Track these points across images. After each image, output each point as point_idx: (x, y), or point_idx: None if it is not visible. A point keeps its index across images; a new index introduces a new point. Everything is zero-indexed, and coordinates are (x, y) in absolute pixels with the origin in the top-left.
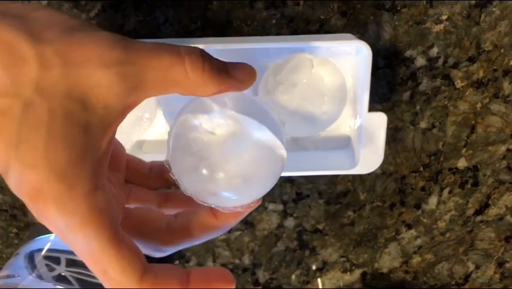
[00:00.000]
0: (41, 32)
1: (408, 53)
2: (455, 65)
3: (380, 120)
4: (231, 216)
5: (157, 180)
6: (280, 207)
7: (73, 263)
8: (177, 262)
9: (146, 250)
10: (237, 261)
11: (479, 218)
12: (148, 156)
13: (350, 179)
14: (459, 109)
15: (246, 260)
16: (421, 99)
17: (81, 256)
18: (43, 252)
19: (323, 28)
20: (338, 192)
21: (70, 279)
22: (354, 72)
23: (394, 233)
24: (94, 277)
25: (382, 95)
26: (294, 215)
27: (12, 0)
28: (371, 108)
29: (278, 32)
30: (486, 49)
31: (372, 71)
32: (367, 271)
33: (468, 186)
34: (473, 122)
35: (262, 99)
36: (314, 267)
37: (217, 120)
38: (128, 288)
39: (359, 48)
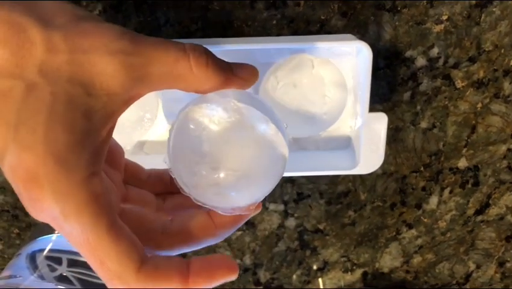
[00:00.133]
0: (50, 18)
1: (409, 53)
2: (456, 66)
3: (380, 120)
4: (229, 221)
5: (155, 186)
6: (281, 207)
7: (75, 263)
8: None
9: None
10: (238, 261)
11: (479, 218)
12: (149, 157)
13: (350, 179)
14: (460, 109)
15: (247, 260)
16: (421, 99)
17: (76, 246)
18: (45, 252)
19: (323, 29)
20: (339, 193)
21: (72, 279)
22: (354, 72)
23: (394, 233)
24: (96, 277)
25: (382, 95)
26: (295, 215)
27: None
28: (372, 108)
29: (279, 33)
30: (486, 49)
31: (373, 71)
32: (368, 271)
33: (469, 186)
34: (474, 122)
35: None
36: (315, 267)
37: (220, 111)
38: (126, 279)
39: (359, 48)
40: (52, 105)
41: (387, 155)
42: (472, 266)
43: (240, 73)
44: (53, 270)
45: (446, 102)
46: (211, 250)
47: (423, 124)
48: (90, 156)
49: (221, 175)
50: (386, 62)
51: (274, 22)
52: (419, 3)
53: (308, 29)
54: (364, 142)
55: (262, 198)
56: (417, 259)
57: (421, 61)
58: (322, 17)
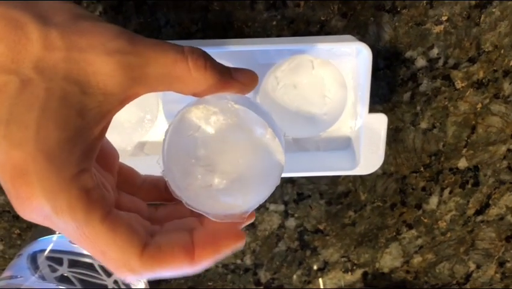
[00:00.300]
0: (48, 16)
1: (408, 54)
2: (455, 66)
3: (380, 121)
4: (210, 247)
5: (149, 193)
6: (281, 207)
7: (76, 264)
8: None
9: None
10: (238, 261)
11: (479, 218)
12: (149, 158)
13: (351, 180)
14: (460, 110)
15: (248, 260)
16: (421, 99)
17: (74, 240)
18: (46, 253)
19: (323, 29)
20: (339, 193)
21: (73, 279)
22: (354, 73)
23: (395, 233)
24: (97, 277)
25: (382, 96)
26: (296, 215)
27: None
28: (372, 109)
29: (279, 34)
30: (486, 50)
31: (372, 72)
32: (368, 271)
33: (469, 186)
34: (474, 122)
35: (263, 100)
36: (315, 267)
37: (217, 112)
38: (131, 265)
39: (359, 49)
40: (46, 101)
41: (387, 156)
42: (472, 266)
43: (238, 77)
44: (54, 270)
45: (446, 103)
46: None
47: (423, 125)
48: (81, 153)
49: (215, 178)
50: (386, 63)
51: (275, 23)
52: (419, 4)
53: (308, 30)
54: (364, 142)
55: (255, 207)
56: (417, 259)
57: (421, 62)
58: (322, 18)
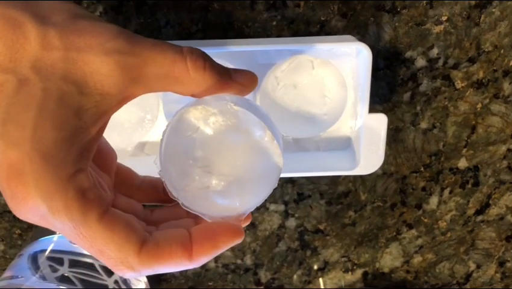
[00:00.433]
0: (47, 15)
1: (408, 54)
2: (455, 66)
3: (380, 121)
4: (207, 243)
5: (147, 194)
6: (281, 207)
7: (77, 264)
8: None
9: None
10: (239, 261)
11: (479, 218)
12: (150, 158)
13: (351, 180)
14: (460, 110)
15: (248, 260)
16: (421, 99)
17: (72, 240)
18: (46, 253)
19: (323, 30)
20: (339, 193)
21: (73, 279)
22: (354, 73)
23: (395, 233)
24: (97, 277)
25: (382, 96)
26: (296, 215)
27: None
28: (372, 109)
29: (279, 34)
30: (486, 50)
31: (372, 72)
32: (368, 271)
33: (469, 186)
34: (474, 122)
35: (263, 100)
36: (315, 267)
37: (216, 113)
38: (129, 263)
39: (359, 49)
40: (43, 101)
41: (387, 156)
42: (472, 266)
43: (237, 78)
44: (54, 270)
45: (446, 103)
46: None
47: (423, 125)
48: (78, 153)
49: (213, 179)
50: (386, 63)
51: (275, 23)
52: (419, 4)
53: (308, 30)
54: (364, 142)
55: (252, 209)
56: (417, 259)
57: (421, 62)
58: (322, 18)
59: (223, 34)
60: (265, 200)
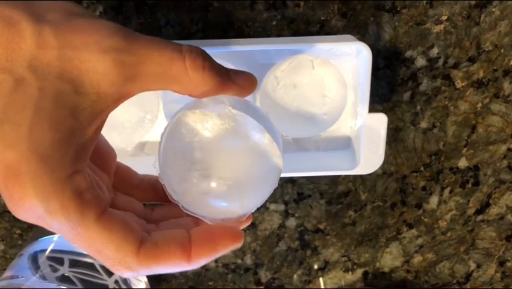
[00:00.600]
0: (43, 13)
1: (408, 53)
2: (455, 66)
3: (380, 121)
4: (207, 246)
5: (146, 193)
6: (281, 207)
7: (77, 263)
8: None
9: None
10: (239, 261)
11: (480, 217)
12: (150, 158)
13: (351, 179)
14: (460, 109)
15: (248, 260)
16: (421, 99)
17: (70, 240)
18: (47, 253)
19: (323, 29)
20: (339, 193)
21: (74, 279)
22: (354, 73)
23: (395, 233)
24: (97, 277)
25: (382, 95)
26: (296, 215)
27: None
28: (372, 109)
29: (279, 34)
30: (486, 49)
31: (372, 71)
32: (369, 270)
33: (469, 185)
34: (474, 122)
35: (263, 100)
36: (315, 267)
37: (214, 116)
38: (127, 263)
39: (359, 49)
40: (39, 101)
41: (387, 155)
42: (472, 265)
43: (237, 79)
44: (55, 270)
45: (446, 102)
46: None
47: (423, 124)
48: (75, 154)
49: (212, 184)
50: (386, 63)
51: (274, 23)
52: (419, 4)
53: (308, 30)
54: (364, 142)
55: (253, 210)
56: (417, 259)
57: (421, 61)
58: (322, 18)
59: (223, 33)
60: (266, 199)
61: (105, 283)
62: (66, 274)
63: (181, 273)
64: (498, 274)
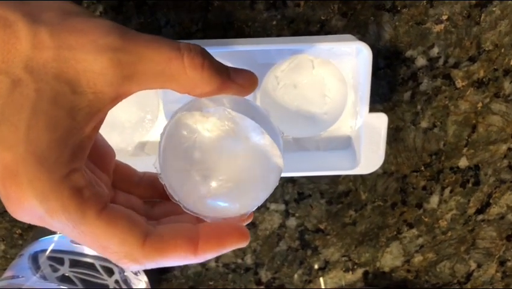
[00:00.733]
0: (38, 13)
1: (409, 53)
2: (456, 65)
3: (381, 121)
4: (213, 242)
5: (146, 190)
6: (282, 207)
7: (77, 263)
8: None
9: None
10: (239, 261)
11: (480, 217)
12: (150, 158)
13: (351, 179)
14: (460, 109)
15: (249, 259)
16: (422, 98)
17: (74, 238)
18: (47, 253)
19: (323, 29)
20: (339, 192)
21: (74, 279)
22: (355, 73)
23: (395, 233)
24: (98, 277)
25: (382, 95)
26: (296, 215)
27: None
28: (372, 108)
29: (279, 33)
30: (486, 49)
31: (373, 71)
32: (369, 270)
33: (470, 185)
34: (474, 121)
35: (264, 99)
36: (316, 267)
37: (213, 118)
38: (133, 256)
39: (359, 49)
40: (36, 102)
41: (387, 155)
42: (473, 265)
43: (237, 78)
44: (55, 270)
45: (446, 102)
46: None
47: (424, 124)
48: (72, 153)
49: (213, 184)
50: (386, 62)
51: (275, 23)
52: (419, 3)
53: (308, 30)
54: (365, 142)
55: (253, 210)
56: (418, 259)
57: (421, 61)
58: (322, 18)
59: (223, 33)
60: (266, 199)
61: (106, 283)
62: (66, 274)
63: (181, 273)
64: (498, 274)
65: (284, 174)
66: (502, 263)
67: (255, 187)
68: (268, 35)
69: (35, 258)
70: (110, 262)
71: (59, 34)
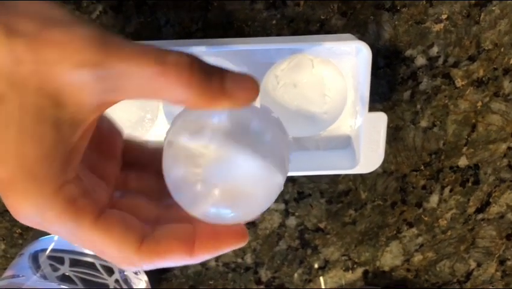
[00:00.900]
0: (15, 23)
1: (408, 52)
2: (455, 64)
3: (380, 120)
4: (210, 244)
5: (160, 165)
6: (282, 206)
7: (77, 263)
8: None
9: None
10: (239, 260)
11: (480, 216)
12: None
13: (351, 178)
14: (460, 108)
15: (249, 259)
16: (421, 98)
17: (72, 242)
18: (47, 252)
19: (323, 28)
20: (339, 192)
21: (74, 278)
22: (354, 72)
23: (395, 232)
24: (98, 277)
25: (382, 94)
26: (296, 214)
27: None
28: (372, 108)
29: (279, 33)
30: (486, 48)
31: (372, 70)
32: (369, 269)
33: (469, 184)
34: (474, 121)
35: (263, 99)
36: (316, 266)
37: (207, 145)
38: (130, 260)
39: (359, 48)
40: (21, 118)
41: (387, 154)
42: (473, 264)
43: (233, 91)
44: (55, 269)
45: (446, 101)
46: None
47: (423, 123)
48: (61, 166)
49: (208, 194)
50: (386, 62)
51: (274, 22)
52: (418, 3)
53: (307, 29)
54: (364, 141)
55: (258, 215)
56: (417, 258)
57: (421, 60)
58: (322, 17)
59: (223, 33)
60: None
61: (106, 282)
62: (67, 274)
63: (182, 272)
64: (498, 273)
65: None
66: (501, 262)
67: (252, 202)
68: (268, 35)
69: (35, 257)
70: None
71: (36, 47)
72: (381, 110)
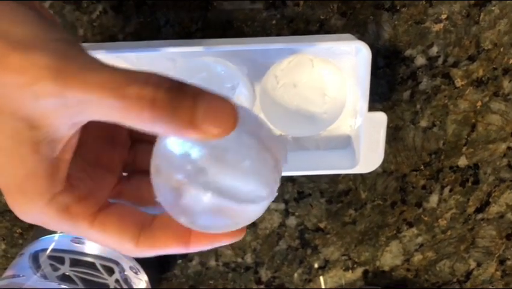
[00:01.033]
0: None
1: (408, 52)
2: (455, 64)
3: (380, 120)
4: (206, 239)
5: None
6: (282, 206)
7: (77, 263)
8: (180, 260)
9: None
10: (239, 260)
11: (480, 216)
12: None
13: (351, 178)
14: (460, 108)
15: (249, 259)
16: (421, 98)
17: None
18: (48, 252)
19: (323, 28)
20: (339, 191)
21: (75, 278)
22: (354, 72)
23: (395, 232)
24: (98, 276)
25: (382, 94)
26: (296, 214)
27: None
28: (372, 108)
29: (278, 33)
30: (486, 48)
31: (372, 70)
32: (369, 269)
33: (469, 184)
34: (474, 120)
35: (263, 99)
36: (316, 266)
37: (187, 176)
38: (130, 251)
39: (358, 48)
40: (0, 141)
41: (387, 154)
42: (473, 264)
43: (203, 124)
44: (56, 269)
45: (446, 101)
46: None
47: (423, 123)
48: (47, 182)
49: (192, 205)
50: (385, 62)
51: (274, 22)
52: (418, 3)
53: (307, 29)
54: (364, 141)
55: (253, 221)
56: (417, 257)
57: (420, 60)
58: (321, 17)
59: (222, 33)
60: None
61: (106, 282)
62: (67, 274)
63: (182, 272)
64: (498, 273)
65: (283, 174)
66: (501, 262)
67: (247, 206)
68: (267, 35)
69: (35, 257)
70: (111, 261)
71: (2, 73)
72: (381, 110)
